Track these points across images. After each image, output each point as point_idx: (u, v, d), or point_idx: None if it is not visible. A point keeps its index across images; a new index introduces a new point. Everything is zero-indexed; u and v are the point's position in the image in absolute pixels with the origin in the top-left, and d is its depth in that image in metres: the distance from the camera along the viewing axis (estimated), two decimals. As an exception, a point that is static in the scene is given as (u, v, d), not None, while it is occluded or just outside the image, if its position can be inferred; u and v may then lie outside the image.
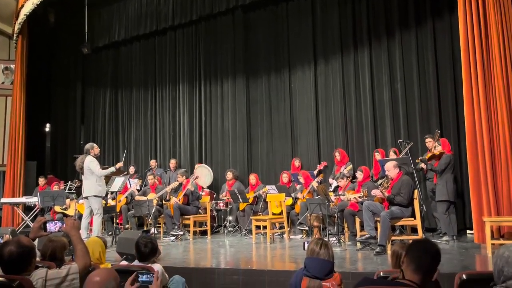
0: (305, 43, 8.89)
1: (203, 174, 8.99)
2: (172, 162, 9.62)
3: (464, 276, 2.49)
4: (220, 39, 9.95)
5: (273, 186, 7.74)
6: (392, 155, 7.10)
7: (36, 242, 2.86)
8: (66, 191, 9.03)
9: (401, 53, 7.84)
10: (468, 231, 6.86)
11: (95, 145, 6.97)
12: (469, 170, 6.01)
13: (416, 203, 5.71)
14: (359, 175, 6.65)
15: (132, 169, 9.82)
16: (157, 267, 3.23)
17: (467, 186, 6.40)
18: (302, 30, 8.96)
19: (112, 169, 6.95)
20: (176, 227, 7.48)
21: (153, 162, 9.95)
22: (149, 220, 7.88)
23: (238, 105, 9.62)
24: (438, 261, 2.14)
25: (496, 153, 5.78)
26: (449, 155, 6.39)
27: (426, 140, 6.63)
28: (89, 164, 6.59)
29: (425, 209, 6.38)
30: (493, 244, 5.35)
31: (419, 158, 6.53)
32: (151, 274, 2.33)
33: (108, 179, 7.18)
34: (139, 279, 2.31)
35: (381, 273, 2.67)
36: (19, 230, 8.47)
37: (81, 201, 8.43)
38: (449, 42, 7.39)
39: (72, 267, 2.50)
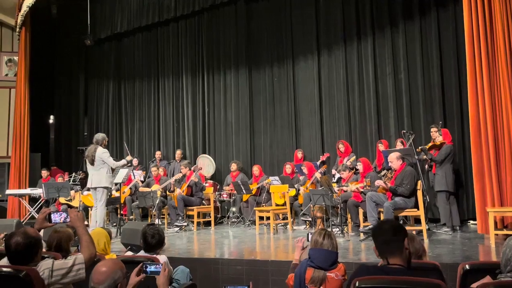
0: (308, 34, 8.84)
1: (205, 164, 9.01)
2: (178, 153, 9.65)
3: (467, 266, 2.49)
4: (223, 30, 9.92)
5: (277, 177, 7.77)
6: (399, 146, 7.08)
7: (41, 233, 2.89)
8: (71, 182, 9.08)
9: (405, 43, 7.80)
10: (471, 222, 6.86)
11: (106, 137, 6.92)
12: (472, 160, 5.99)
13: (419, 193, 5.72)
14: (359, 166, 6.66)
15: (135, 161, 9.84)
16: (163, 258, 3.26)
17: (470, 176, 6.40)
18: (305, 20, 8.91)
19: (124, 161, 6.92)
20: (180, 218, 7.52)
21: (158, 154, 9.97)
22: (153, 211, 7.92)
23: (241, 96, 9.62)
24: (401, 234, 2.19)
25: (500, 143, 5.76)
26: (449, 146, 6.38)
27: (432, 130, 6.61)
28: (102, 155, 6.52)
29: (428, 200, 6.39)
30: (496, 234, 5.36)
31: (420, 147, 6.52)
32: (159, 265, 2.35)
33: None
34: (148, 269, 2.33)
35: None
36: (24, 222, 8.55)
37: (85, 192, 8.48)
38: (453, 32, 7.34)
39: (77, 257, 2.53)
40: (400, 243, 2.16)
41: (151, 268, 2.34)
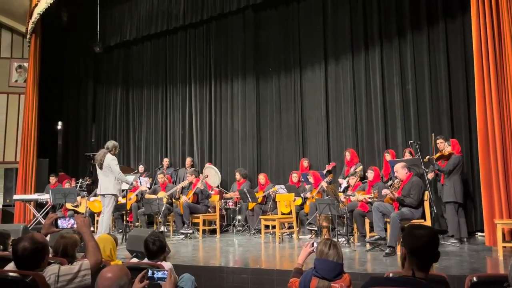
0: (316, 43, 8.86)
1: (211, 175, 9.01)
2: (188, 161, 9.66)
3: (474, 279, 2.47)
4: (231, 38, 9.98)
5: (283, 186, 7.75)
6: (407, 156, 7.03)
7: (48, 238, 2.90)
8: (77, 188, 9.12)
9: (413, 53, 7.78)
10: (478, 234, 6.79)
11: (118, 146, 6.93)
12: (480, 171, 5.95)
13: (426, 204, 5.68)
14: (370, 174, 6.62)
15: (141, 168, 9.88)
16: (168, 265, 3.25)
17: (478, 187, 6.34)
18: (312, 30, 8.94)
19: (128, 180, 6.91)
20: (185, 225, 7.52)
21: (165, 161, 10.00)
22: (159, 218, 7.93)
23: (248, 104, 9.64)
24: (437, 245, 2.06)
25: (508, 154, 5.72)
26: (458, 156, 6.32)
27: (438, 141, 6.57)
28: (110, 162, 6.54)
29: (435, 211, 6.34)
30: (504, 247, 5.30)
31: (427, 157, 6.45)
32: (166, 271, 2.36)
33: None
34: (155, 275, 2.34)
35: (391, 274, 2.66)
36: (31, 227, 8.58)
37: (92, 198, 8.52)
38: (461, 42, 7.32)
39: (84, 263, 2.54)
40: (434, 256, 2.02)
41: (158, 275, 2.35)
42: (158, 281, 2.34)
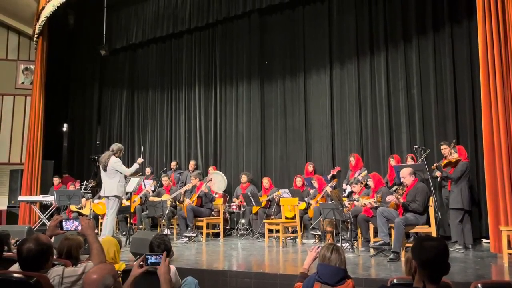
0: (321, 47, 8.87)
1: (217, 181, 9.01)
2: (191, 163, 9.68)
3: (479, 286, 2.45)
4: (236, 42, 10.01)
5: (287, 190, 7.74)
6: (409, 162, 7.01)
7: (52, 240, 2.91)
8: (82, 190, 9.15)
9: (418, 58, 7.78)
10: (484, 240, 6.75)
11: (122, 149, 6.95)
12: (486, 177, 5.91)
13: (431, 210, 5.65)
14: (370, 182, 6.60)
15: (148, 171, 9.89)
16: (171, 268, 3.25)
17: (483, 194, 6.30)
18: (318, 34, 8.96)
19: (136, 165, 6.94)
20: (189, 228, 7.52)
21: (173, 164, 10.00)
22: (163, 221, 7.94)
23: (252, 108, 9.65)
24: (447, 257, 1.99)
25: (514, 160, 5.69)
26: (465, 163, 6.29)
27: (442, 147, 6.55)
28: (114, 164, 6.56)
29: (440, 217, 6.30)
30: (509, 253, 5.26)
31: (435, 164, 6.44)
32: (160, 256, 2.40)
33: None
34: (149, 261, 2.39)
35: (395, 280, 2.65)
36: (35, 228, 8.62)
37: (96, 200, 8.54)
38: (467, 47, 7.30)
39: (88, 265, 2.55)
40: (447, 268, 1.96)
41: (152, 259, 2.41)
42: (152, 266, 2.39)
